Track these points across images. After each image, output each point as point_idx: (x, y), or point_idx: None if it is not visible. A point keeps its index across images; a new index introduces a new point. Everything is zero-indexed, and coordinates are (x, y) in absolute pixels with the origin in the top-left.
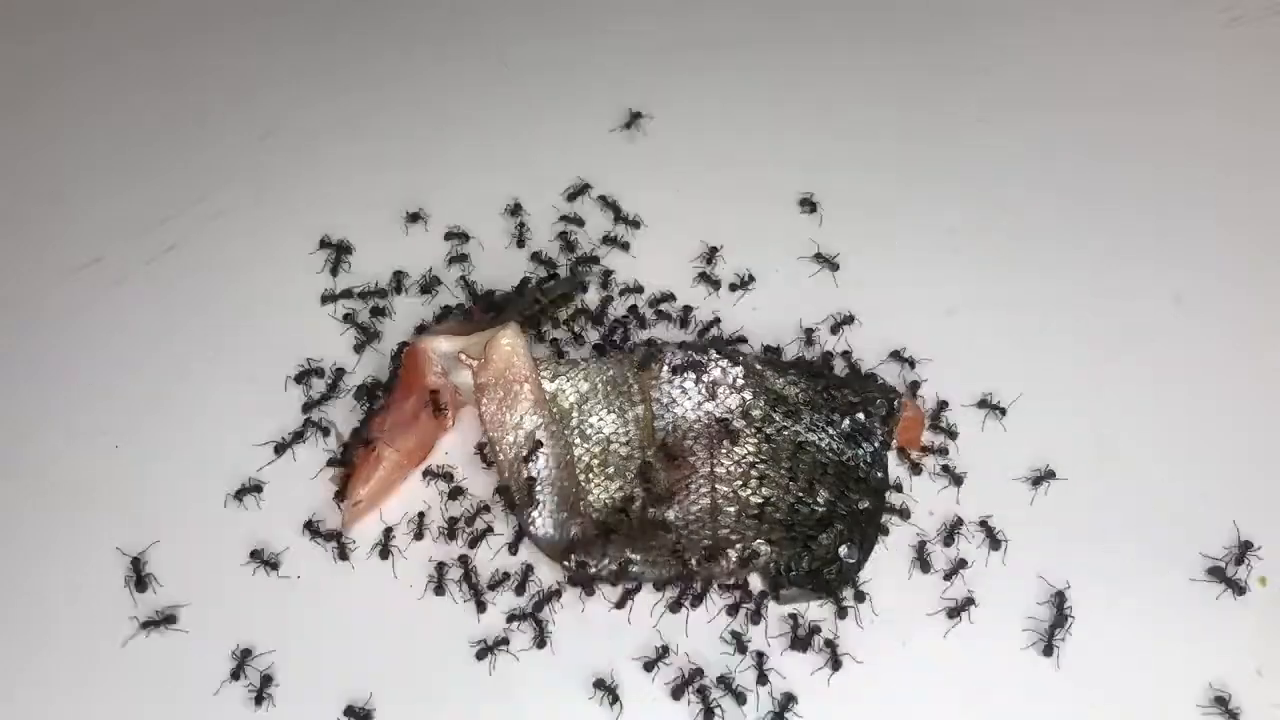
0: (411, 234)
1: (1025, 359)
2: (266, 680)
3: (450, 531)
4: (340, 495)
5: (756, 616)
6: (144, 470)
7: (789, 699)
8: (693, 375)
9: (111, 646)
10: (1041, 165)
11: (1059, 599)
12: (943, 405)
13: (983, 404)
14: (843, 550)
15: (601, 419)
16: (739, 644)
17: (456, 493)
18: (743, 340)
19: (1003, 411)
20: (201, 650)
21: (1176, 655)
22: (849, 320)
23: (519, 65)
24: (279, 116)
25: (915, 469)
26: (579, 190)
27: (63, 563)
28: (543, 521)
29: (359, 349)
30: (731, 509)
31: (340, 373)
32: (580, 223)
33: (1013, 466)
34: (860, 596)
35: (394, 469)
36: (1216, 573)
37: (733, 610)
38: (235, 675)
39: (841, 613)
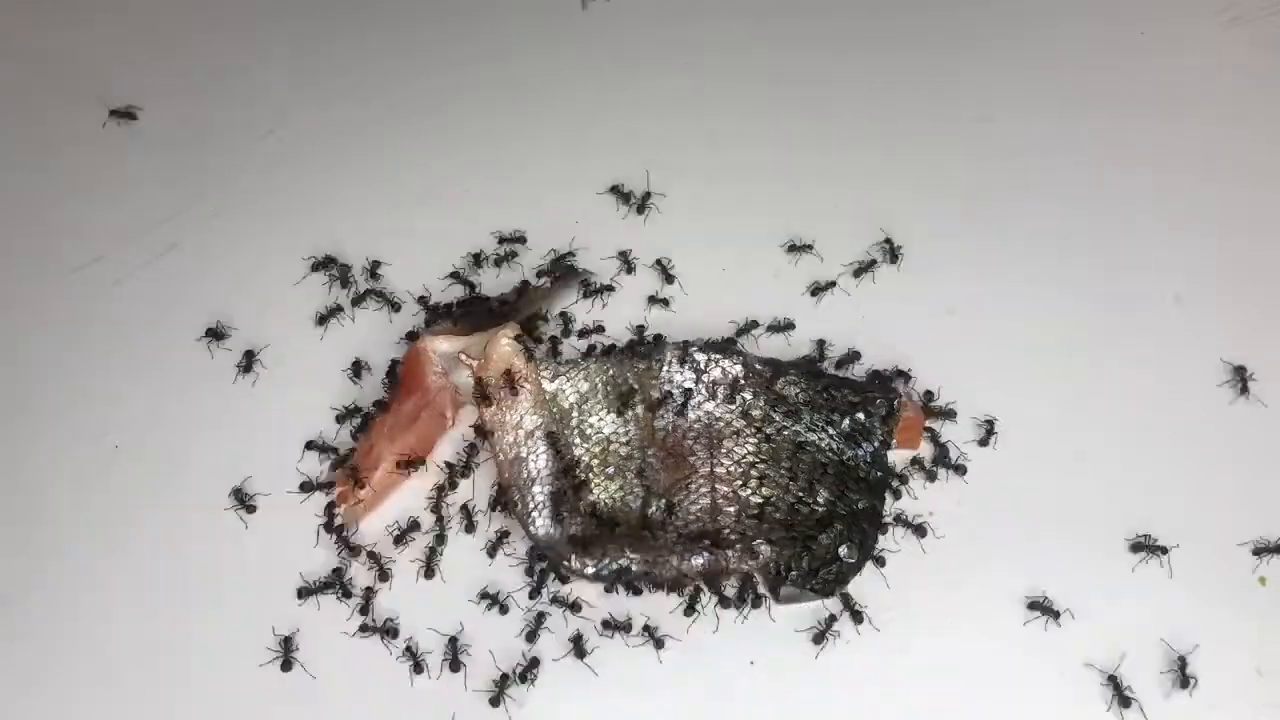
0: (411, 233)
1: (1025, 359)
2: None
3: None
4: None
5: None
6: (144, 470)
7: None
8: (693, 375)
9: (111, 646)
10: (1041, 166)
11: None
12: (929, 396)
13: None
14: (843, 550)
15: (601, 419)
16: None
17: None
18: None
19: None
20: (202, 651)
21: (1176, 655)
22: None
23: (522, 68)
24: (281, 116)
25: (930, 476)
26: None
27: (62, 563)
28: (543, 522)
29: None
30: (731, 509)
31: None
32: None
33: (1012, 466)
34: (858, 617)
35: (394, 469)
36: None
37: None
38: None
39: (857, 616)
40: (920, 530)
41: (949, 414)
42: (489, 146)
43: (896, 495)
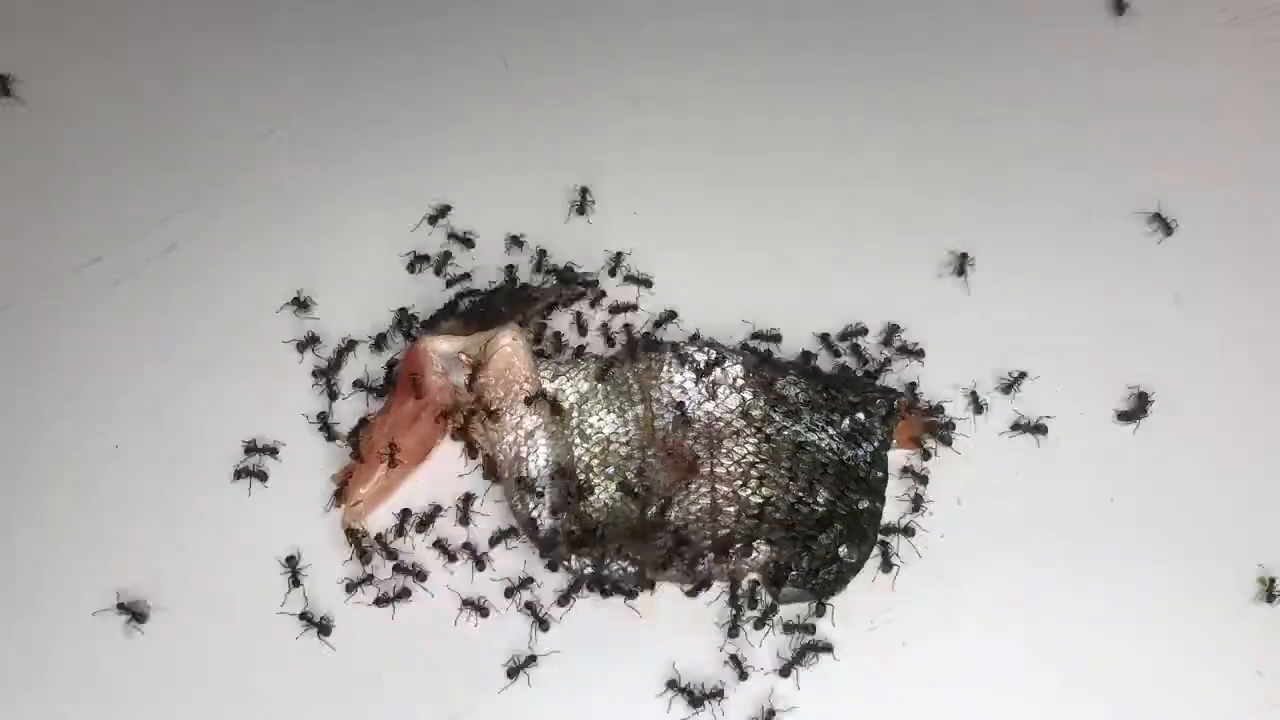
0: (411, 233)
1: (1025, 359)
2: None
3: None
4: (339, 496)
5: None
6: (144, 470)
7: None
8: (693, 375)
9: (111, 647)
10: (1041, 166)
11: None
12: (939, 409)
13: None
14: (842, 550)
15: (601, 419)
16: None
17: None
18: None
19: (1040, 429)
20: (200, 652)
21: (1176, 655)
22: (862, 331)
23: (521, 68)
24: (280, 116)
25: (925, 455)
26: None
27: (63, 563)
28: (542, 522)
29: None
30: (731, 509)
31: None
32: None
33: (1011, 464)
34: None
35: (394, 470)
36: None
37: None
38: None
39: (820, 610)
40: (908, 530)
41: (949, 425)
42: (490, 145)
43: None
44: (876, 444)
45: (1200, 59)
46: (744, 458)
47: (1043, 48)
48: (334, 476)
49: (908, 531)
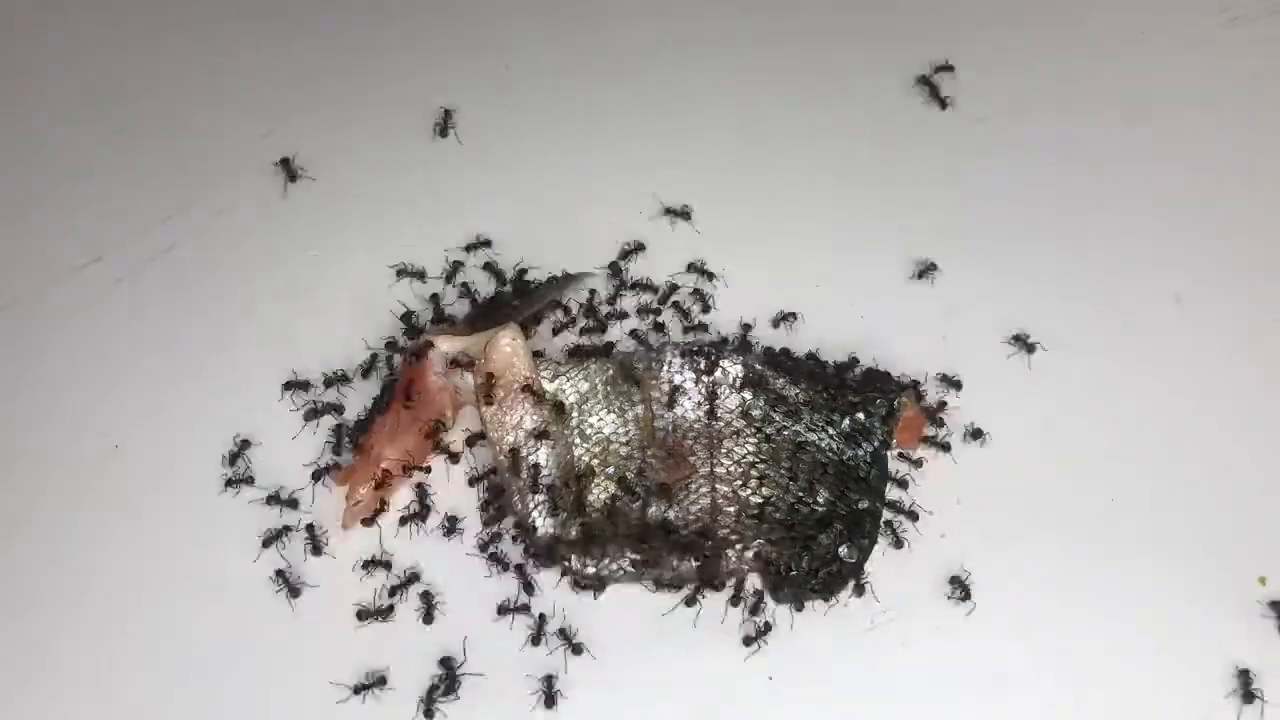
0: (411, 232)
1: (1025, 359)
2: None
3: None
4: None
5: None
6: (144, 470)
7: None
8: (693, 375)
9: (113, 646)
10: (1041, 165)
11: None
12: (941, 405)
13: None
14: (843, 550)
15: (601, 419)
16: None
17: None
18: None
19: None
20: (200, 651)
21: (1176, 655)
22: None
23: (521, 68)
24: (280, 115)
25: (917, 464)
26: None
27: (63, 563)
28: (542, 522)
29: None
30: (731, 509)
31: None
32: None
33: (1012, 466)
34: (860, 590)
35: (393, 469)
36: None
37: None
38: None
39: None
40: (912, 515)
41: (939, 420)
42: (490, 144)
43: (903, 485)
44: (876, 444)
45: (1200, 59)
46: (744, 458)
47: (1042, 48)
48: (334, 476)
49: (912, 515)
